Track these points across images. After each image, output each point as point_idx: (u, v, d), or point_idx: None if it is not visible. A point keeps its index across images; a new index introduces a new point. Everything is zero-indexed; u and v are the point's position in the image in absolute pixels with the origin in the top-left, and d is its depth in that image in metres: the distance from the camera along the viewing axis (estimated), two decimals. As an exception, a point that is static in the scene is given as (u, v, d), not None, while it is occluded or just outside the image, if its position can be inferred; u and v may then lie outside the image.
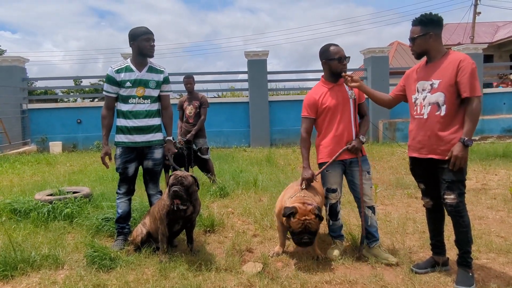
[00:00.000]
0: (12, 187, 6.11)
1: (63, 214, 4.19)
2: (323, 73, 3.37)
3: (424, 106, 2.80)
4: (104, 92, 3.63)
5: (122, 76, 3.52)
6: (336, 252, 3.24)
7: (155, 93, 3.60)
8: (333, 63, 3.19)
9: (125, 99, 3.53)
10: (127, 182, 3.62)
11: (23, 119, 12.27)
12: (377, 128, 12.27)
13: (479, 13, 22.50)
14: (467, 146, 2.61)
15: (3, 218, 3.75)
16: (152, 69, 3.61)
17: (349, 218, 4.17)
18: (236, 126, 12.72)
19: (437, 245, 2.99)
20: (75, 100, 15.18)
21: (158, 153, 3.64)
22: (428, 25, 2.77)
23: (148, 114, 3.57)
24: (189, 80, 6.18)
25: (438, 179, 2.79)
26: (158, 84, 3.61)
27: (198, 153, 6.10)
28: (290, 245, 3.58)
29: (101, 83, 18.13)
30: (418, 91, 2.86)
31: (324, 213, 3.43)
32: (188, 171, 6.02)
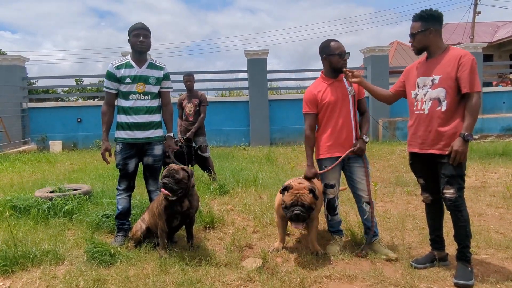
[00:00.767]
0: (12, 185, 6.11)
1: (63, 211, 4.20)
2: (322, 69, 3.37)
3: (425, 101, 2.81)
4: (104, 88, 3.64)
5: (122, 72, 3.53)
6: (335, 248, 3.25)
7: (155, 89, 3.61)
8: (333, 58, 3.20)
9: (125, 95, 3.54)
10: (127, 178, 3.63)
11: (23, 118, 12.27)
12: (378, 126, 12.28)
13: (479, 12, 22.52)
14: (467, 141, 2.62)
15: (7, 213, 3.76)
16: (152, 66, 3.62)
17: (349, 215, 4.18)
18: (236, 125, 12.73)
19: (436, 240, 3.00)
20: (77, 99, 15.16)
21: (158, 150, 3.65)
22: (429, 21, 2.78)
23: (149, 111, 3.57)
24: (189, 78, 6.19)
25: (437, 174, 2.80)
26: (158, 81, 3.62)
27: (198, 151, 6.11)
28: (290, 241, 3.59)
29: (102, 83, 18.15)
30: (418, 87, 2.87)
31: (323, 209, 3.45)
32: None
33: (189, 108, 6.12)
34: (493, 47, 22.20)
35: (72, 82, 19.56)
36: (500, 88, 14.51)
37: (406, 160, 6.82)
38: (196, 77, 7.93)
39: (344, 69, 3.20)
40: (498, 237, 3.52)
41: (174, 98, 9.07)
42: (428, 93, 2.79)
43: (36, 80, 17.98)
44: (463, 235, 2.73)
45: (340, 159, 3.20)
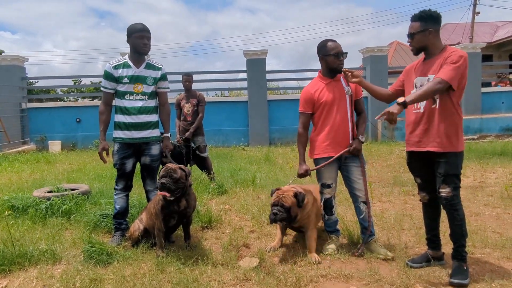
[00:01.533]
0: (10, 185, 6.12)
1: (61, 210, 4.21)
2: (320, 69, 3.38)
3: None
4: (102, 88, 3.65)
5: (120, 72, 3.54)
6: (332, 247, 3.26)
7: (152, 89, 3.62)
8: (329, 58, 3.21)
9: (122, 95, 3.55)
10: (124, 178, 3.64)
11: (22, 118, 12.28)
12: (376, 127, 12.29)
13: (478, 13, 22.54)
14: (402, 104, 2.60)
15: (5, 213, 3.77)
16: (150, 66, 3.63)
17: (346, 215, 4.19)
18: (235, 125, 12.74)
19: (433, 239, 3.01)
20: (76, 100, 15.18)
21: (155, 149, 3.66)
22: (428, 21, 2.79)
23: (146, 111, 3.58)
24: (188, 78, 6.19)
25: (434, 173, 2.82)
26: (155, 81, 3.62)
27: (197, 151, 6.12)
28: (287, 240, 3.60)
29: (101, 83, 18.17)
30: (416, 87, 2.89)
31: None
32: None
33: (187, 108, 6.13)
34: (492, 47, 22.20)
35: (71, 82, 19.56)
36: (499, 88, 14.53)
37: (404, 160, 6.81)
38: (196, 77, 7.94)
39: (344, 69, 3.21)
40: (495, 237, 3.53)
41: (173, 98, 9.09)
42: None
43: (36, 80, 18.01)
44: (458, 234, 2.74)
45: (334, 157, 3.22)
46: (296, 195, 3.16)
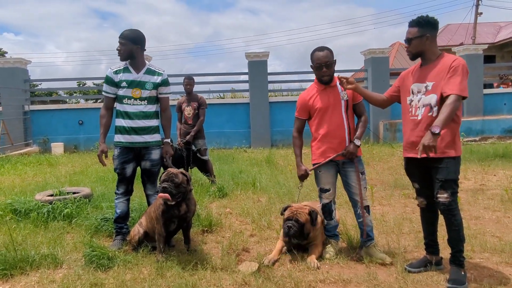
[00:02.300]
0: (13, 188, 6.17)
1: (62, 214, 4.24)
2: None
3: (419, 107, 2.84)
4: (103, 93, 3.70)
5: (120, 76, 3.58)
6: (331, 252, 3.27)
7: (151, 94, 3.64)
8: (313, 69, 3.26)
9: (122, 100, 3.59)
10: (125, 183, 3.67)
11: (25, 120, 12.36)
12: (377, 129, 12.29)
13: (481, 13, 22.48)
14: (435, 134, 2.58)
15: (7, 217, 3.81)
16: (150, 71, 3.65)
17: (346, 219, 4.20)
18: (237, 127, 12.77)
19: (431, 244, 3.02)
20: (78, 102, 15.26)
21: (155, 154, 3.69)
22: (425, 27, 2.81)
23: (145, 115, 3.61)
24: (189, 81, 6.22)
25: (432, 178, 2.83)
26: (155, 86, 3.64)
27: (198, 154, 6.15)
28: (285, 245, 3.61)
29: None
30: (413, 93, 2.90)
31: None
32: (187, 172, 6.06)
33: (188, 111, 6.16)
34: (495, 48, 22.13)
35: (74, 84, 19.65)
36: (501, 90, 14.48)
37: (405, 163, 6.82)
38: (197, 79, 7.97)
39: (339, 76, 3.23)
40: (494, 241, 3.53)
41: (174, 100, 9.12)
42: (421, 99, 2.82)
43: (39, 83, 18.10)
44: (456, 239, 2.75)
45: (327, 160, 3.26)
46: (310, 213, 3.25)
